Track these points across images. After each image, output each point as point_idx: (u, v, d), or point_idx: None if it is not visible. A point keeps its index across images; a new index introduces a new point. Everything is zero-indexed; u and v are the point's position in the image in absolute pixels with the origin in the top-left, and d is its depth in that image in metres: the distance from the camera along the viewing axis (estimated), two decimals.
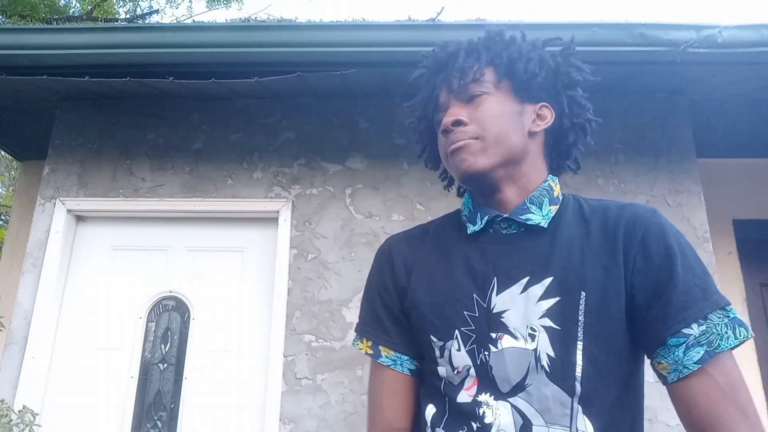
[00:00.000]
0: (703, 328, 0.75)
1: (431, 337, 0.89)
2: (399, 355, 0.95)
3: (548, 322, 0.81)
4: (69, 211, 2.88)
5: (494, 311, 0.85)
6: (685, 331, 0.75)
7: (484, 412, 0.82)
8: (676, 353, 0.76)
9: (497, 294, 0.85)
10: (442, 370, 0.88)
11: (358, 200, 2.82)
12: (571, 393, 0.78)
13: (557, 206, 0.92)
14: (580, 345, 0.79)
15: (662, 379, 0.80)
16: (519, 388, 0.81)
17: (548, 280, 0.83)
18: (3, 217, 10.19)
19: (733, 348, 0.76)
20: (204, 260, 2.88)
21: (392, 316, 0.95)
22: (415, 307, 0.92)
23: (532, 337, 0.82)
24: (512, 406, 0.81)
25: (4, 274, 3.74)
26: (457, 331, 0.87)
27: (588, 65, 1.03)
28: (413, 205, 2.78)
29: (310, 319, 2.66)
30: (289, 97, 3.00)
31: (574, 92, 1.00)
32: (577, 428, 0.77)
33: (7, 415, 2.32)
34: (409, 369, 0.95)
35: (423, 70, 0.99)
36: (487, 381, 0.84)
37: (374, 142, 2.91)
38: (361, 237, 2.75)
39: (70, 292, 2.85)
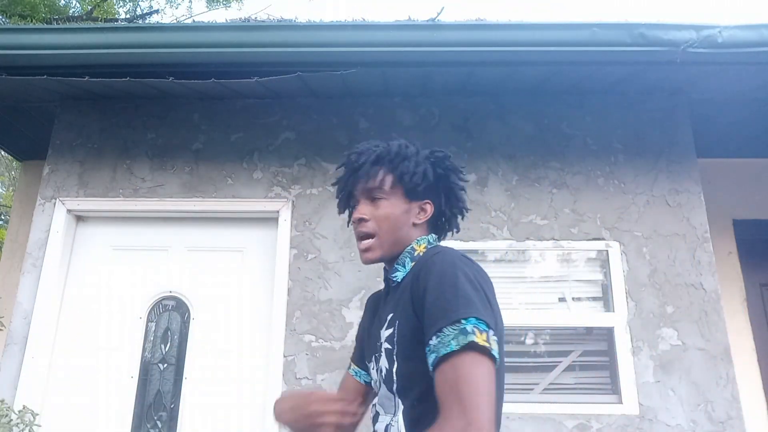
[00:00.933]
0: (438, 339, 0.96)
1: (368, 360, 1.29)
2: (357, 370, 1.36)
3: (387, 345, 1.14)
4: (69, 211, 2.88)
5: (378, 343, 1.19)
6: (430, 342, 0.98)
7: (372, 412, 1.23)
8: (428, 359, 0.99)
9: (381, 330, 1.20)
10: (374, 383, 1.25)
11: None
12: (391, 389, 1.12)
13: (414, 263, 1.20)
14: (395, 355, 1.11)
15: None
16: (377, 394, 1.21)
17: (390, 316, 1.17)
18: (3, 217, 10.19)
19: (455, 352, 0.93)
20: (204, 260, 2.88)
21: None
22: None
23: (379, 356, 1.17)
24: (374, 406, 1.22)
25: (4, 274, 3.74)
26: (373, 356, 1.23)
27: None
28: None
29: (310, 319, 2.66)
30: (289, 97, 3.00)
31: (451, 190, 1.29)
32: (395, 408, 1.11)
33: (7, 415, 2.32)
34: (365, 381, 1.33)
35: (344, 167, 1.30)
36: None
37: None
38: None
39: (70, 292, 2.85)
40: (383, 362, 1.15)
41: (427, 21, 2.75)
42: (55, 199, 2.89)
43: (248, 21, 3.79)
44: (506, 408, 2.74)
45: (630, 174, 2.84)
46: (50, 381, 2.70)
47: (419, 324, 1.04)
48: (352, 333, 2.60)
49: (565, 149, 2.89)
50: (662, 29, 2.40)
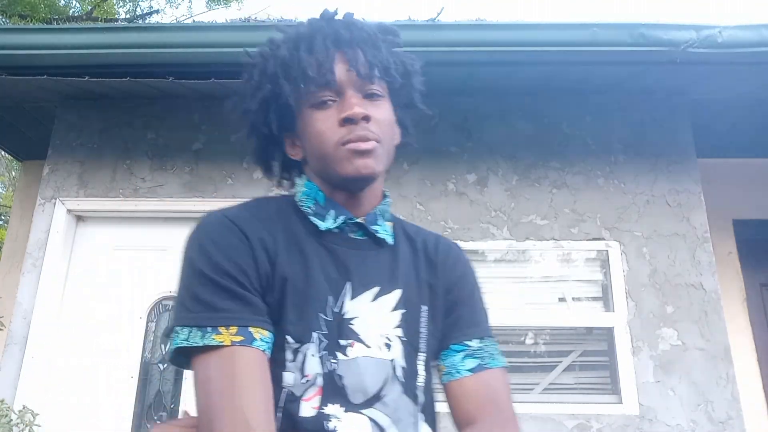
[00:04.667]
0: (480, 345, 0.87)
1: (286, 337, 0.77)
2: (271, 337, 0.76)
3: (401, 333, 0.83)
4: (69, 211, 2.88)
5: (345, 317, 0.80)
6: (468, 343, 0.86)
7: (335, 427, 0.75)
8: (453, 358, 0.86)
9: (350, 300, 0.81)
10: (288, 377, 0.76)
11: None
12: (416, 402, 0.82)
13: (392, 223, 0.93)
14: (422, 356, 0.84)
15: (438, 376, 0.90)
16: (375, 398, 0.78)
17: (398, 293, 0.84)
18: (3, 217, 10.19)
19: (500, 367, 0.87)
20: None
21: (258, 296, 0.78)
22: (275, 301, 0.79)
23: (388, 346, 0.81)
24: (369, 418, 0.77)
25: (4, 274, 3.73)
26: (314, 334, 0.78)
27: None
28: (413, 205, 2.78)
29: None
30: None
31: (413, 100, 0.95)
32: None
33: (7, 415, 2.32)
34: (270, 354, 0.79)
35: (305, 37, 0.87)
36: (334, 391, 0.77)
37: None
38: None
39: (70, 292, 2.85)
40: (398, 357, 0.81)
41: (427, 21, 2.75)
42: (55, 199, 2.89)
43: (248, 21, 3.79)
44: None
45: (630, 174, 2.84)
46: (50, 381, 2.70)
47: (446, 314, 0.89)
48: None
49: (565, 149, 2.89)
50: (662, 29, 2.40)
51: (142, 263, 2.88)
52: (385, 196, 0.93)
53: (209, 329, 0.74)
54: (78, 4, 10.25)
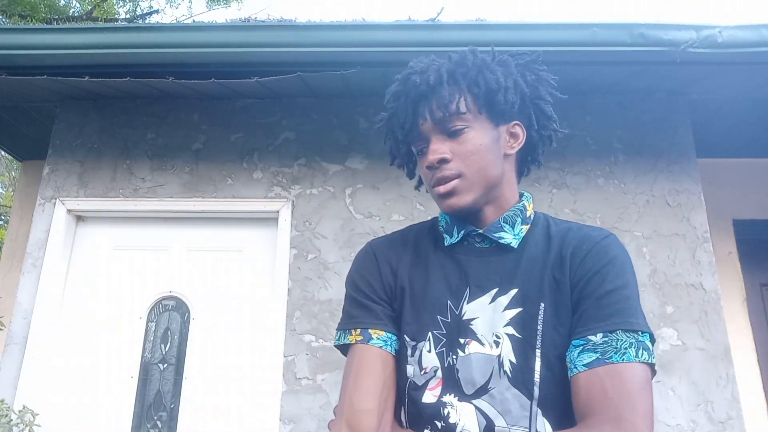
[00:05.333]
0: (605, 339, 0.82)
1: (405, 336, 0.95)
2: (390, 335, 0.96)
3: (511, 330, 0.89)
4: (69, 211, 2.88)
5: (464, 318, 0.92)
6: (589, 337, 0.84)
7: (448, 413, 0.89)
8: (573, 353, 0.85)
9: (468, 303, 0.93)
10: (410, 369, 0.94)
11: (358, 200, 2.82)
12: (530, 396, 0.86)
13: (528, 225, 0.99)
14: (538, 352, 0.87)
15: None
16: (482, 390, 0.89)
17: (513, 292, 0.91)
18: (3, 217, 10.19)
19: (627, 362, 0.81)
20: (204, 260, 2.88)
21: (381, 303, 0.98)
22: (398, 307, 0.98)
23: (497, 344, 0.89)
24: (476, 407, 0.88)
25: (4, 274, 3.73)
26: (430, 333, 0.93)
27: (552, 77, 1.07)
28: (413, 205, 2.78)
29: (310, 319, 2.66)
30: (289, 97, 3.00)
31: (542, 106, 1.02)
32: (536, 429, 0.85)
33: (7, 415, 2.32)
34: (395, 350, 0.97)
35: (399, 94, 1.00)
36: (451, 383, 0.91)
37: (374, 142, 2.91)
38: (361, 237, 2.75)
39: (70, 292, 2.85)
40: (506, 353, 0.88)
41: (427, 21, 2.75)
42: (55, 199, 2.89)
43: (248, 21, 3.79)
44: None
45: (630, 174, 2.84)
46: (50, 381, 2.70)
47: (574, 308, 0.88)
48: None
49: (565, 149, 2.89)
50: (662, 29, 2.40)
51: (142, 263, 2.88)
52: (521, 199, 1.01)
53: (346, 332, 0.98)
54: (78, 4, 10.24)
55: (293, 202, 2.84)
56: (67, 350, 2.76)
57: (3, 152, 5.69)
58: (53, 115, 3.09)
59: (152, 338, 2.81)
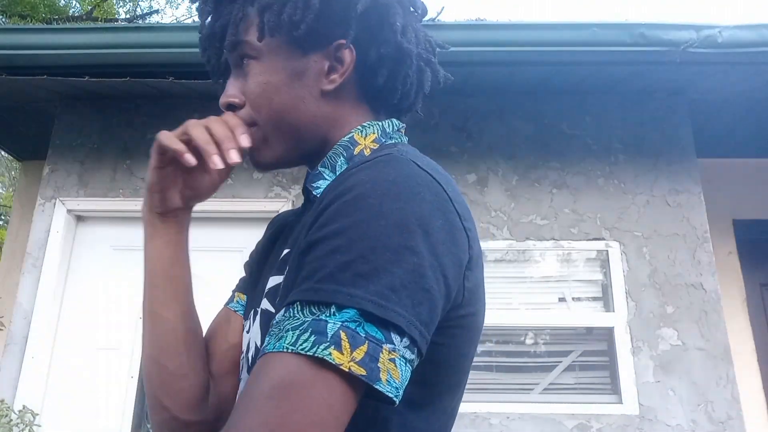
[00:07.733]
0: (284, 316, 0.52)
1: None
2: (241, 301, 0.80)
3: (266, 304, 0.66)
4: (69, 211, 2.88)
5: (259, 288, 0.72)
6: (277, 314, 0.54)
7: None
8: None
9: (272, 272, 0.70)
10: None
11: None
12: None
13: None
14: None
15: None
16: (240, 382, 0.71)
17: (285, 251, 0.68)
18: (3, 217, 10.19)
19: (275, 351, 0.49)
20: (204, 260, 2.87)
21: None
22: None
23: (254, 320, 0.69)
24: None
25: (4, 274, 3.73)
26: (252, 311, 0.72)
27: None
28: None
29: None
30: None
31: (387, 17, 0.70)
32: None
33: (7, 415, 2.33)
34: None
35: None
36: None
37: None
38: None
39: (70, 292, 2.85)
40: (255, 333, 0.67)
41: (427, 21, 2.75)
42: (55, 199, 2.89)
43: None
44: (506, 408, 2.74)
45: (630, 174, 2.84)
46: (50, 381, 2.70)
47: None
48: None
49: (565, 149, 2.89)
50: (662, 29, 2.41)
51: (142, 263, 2.88)
52: (348, 134, 0.71)
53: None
54: (78, 4, 10.25)
55: (293, 202, 2.84)
56: (67, 350, 2.75)
57: (3, 152, 5.69)
58: (53, 115, 3.09)
59: None
